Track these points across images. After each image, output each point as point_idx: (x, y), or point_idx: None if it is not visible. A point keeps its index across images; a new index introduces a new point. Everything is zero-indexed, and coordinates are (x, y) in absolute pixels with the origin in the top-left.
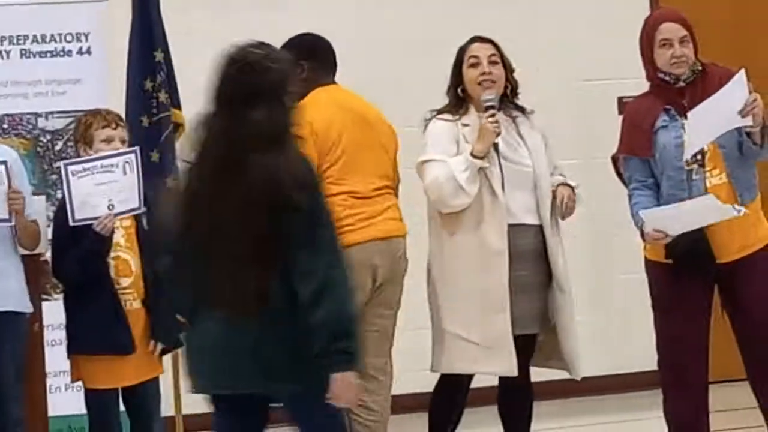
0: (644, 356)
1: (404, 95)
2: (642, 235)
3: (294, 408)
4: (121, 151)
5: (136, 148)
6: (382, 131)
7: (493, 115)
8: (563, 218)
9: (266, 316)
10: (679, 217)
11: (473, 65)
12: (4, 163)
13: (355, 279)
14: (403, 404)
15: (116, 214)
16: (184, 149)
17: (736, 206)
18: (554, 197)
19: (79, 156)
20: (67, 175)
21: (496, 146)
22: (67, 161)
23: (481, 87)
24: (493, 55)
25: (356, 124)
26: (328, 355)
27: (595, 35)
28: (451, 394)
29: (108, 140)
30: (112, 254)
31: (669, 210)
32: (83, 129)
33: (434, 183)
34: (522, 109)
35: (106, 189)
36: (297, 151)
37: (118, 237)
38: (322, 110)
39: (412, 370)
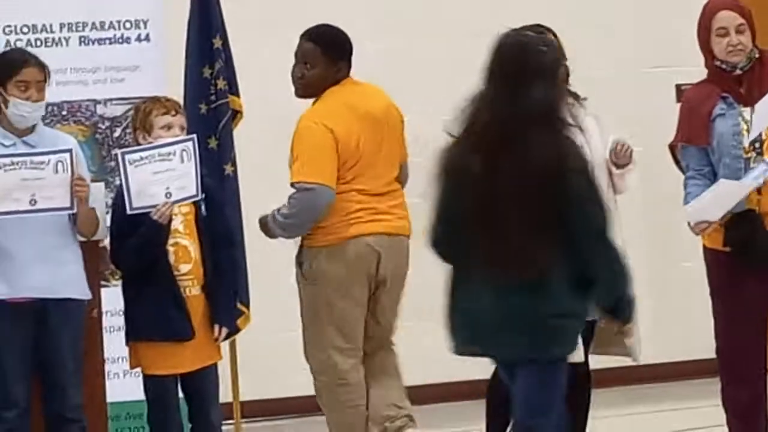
0: (703, 344)
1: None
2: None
3: (528, 375)
4: (178, 138)
5: (194, 135)
6: (392, 124)
7: None
8: (618, 163)
9: (538, 284)
10: (716, 202)
11: None
12: (69, 151)
13: (359, 269)
14: (460, 391)
15: (173, 202)
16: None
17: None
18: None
19: (137, 143)
20: (124, 164)
21: None
22: (124, 150)
23: None
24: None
25: (372, 129)
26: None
27: (653, 22)
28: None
29: (167, 127)
30: (171, 241)
31: (706, 197)
32: (143, 116)
33: None
34: (576, 96)
35: (164, 177)
36: (567, 131)
37: (177, 224)
38: (342, 118)
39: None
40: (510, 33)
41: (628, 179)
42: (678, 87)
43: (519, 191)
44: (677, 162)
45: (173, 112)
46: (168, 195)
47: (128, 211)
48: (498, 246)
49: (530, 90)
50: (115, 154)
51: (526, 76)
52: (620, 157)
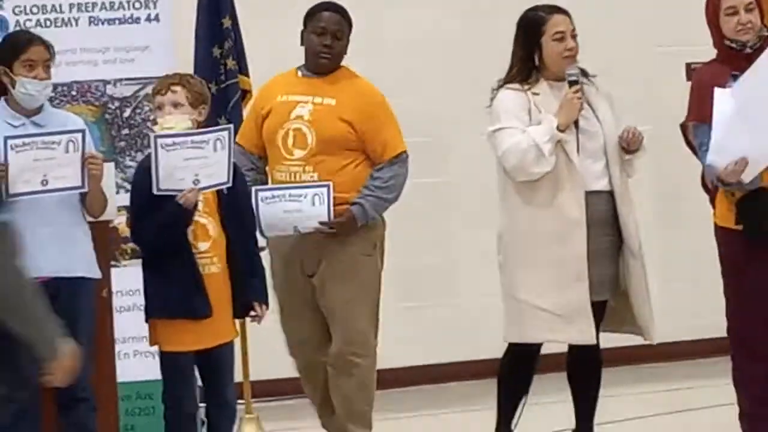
0: (715, 323)
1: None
2: (714, 192)
3: None
4: (215, 128)
5: (230, 126)
6: None
7: (578, 90)
8: (629, 150)
9: None
10: (747, 117)
11: (558, 39)
12: (82, 131)
13: None
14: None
15: (201, 189)
16: None
17: None
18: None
19: (156, 122)
20: (156, 147)
21: (576, 120)
22: (157, 134)
23: (565, 61)
24: (574, 29)
25: None
26: None
27: (661, 1)
28: (521, 362)
29: (159, 106)
30: (196, 217)
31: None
32: (153, 96)
33: (515, 149)
34: (585, 74)
35: (194, 164)
36: None
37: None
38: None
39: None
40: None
41: (637, 164)
42: (688, 66)
43: None
44: (688, 142)
45: (163, 91)
46: (196, 182)
47: (154, 191)
48: None
49: None
50: (147, 137)
51: None
52: (631, 144)
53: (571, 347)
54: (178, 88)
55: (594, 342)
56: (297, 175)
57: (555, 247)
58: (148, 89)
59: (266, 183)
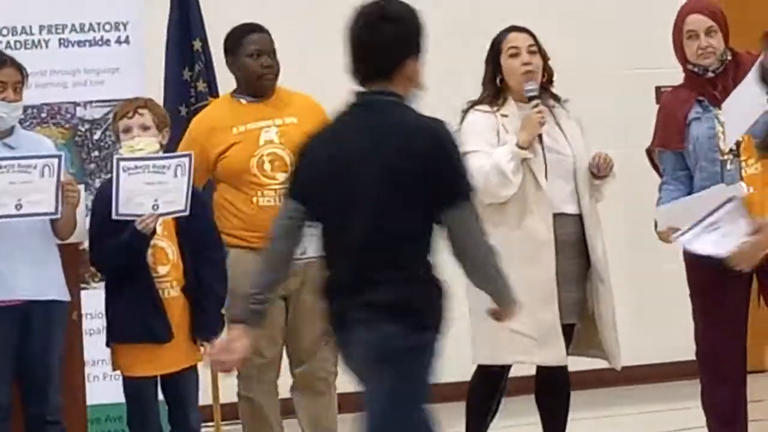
0: (683, 346)
1: None
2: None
3: None
4: (176, 154)
5: (191, 152)
6: None
7: (537, 105)
8: (598, 175)
9: None
10: (689, 210)
11: (513, 55)
12: (59, 156)
13: None
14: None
15: (159, 215)
16: None
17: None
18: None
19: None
20: (118, 171)
21: (540, 136)
22: (120, 156)
23: (523, 77)
24: (532, 45)
25: None
26: None
27: (632, 24)
28: (491, 384)
29: (126, 130)
30: (152, 242)
31: (680, 204)
32: (113, 122)
33: (479, 174)
34: (557, 98)
35: (154, 189)
36: None
37: (155, 225)
38: None
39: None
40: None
41: (605, 190)
42: (658, 89)
43: None
44: (655, 166)
45: (130, 114)
46: (155, 207)
47: (114, 216)
48: None
49: None
50: (96, 156)
51: None
52: (601, 169)
53: (539, 369)
54: (144, 111)
55: (565, 363)
56: None
57: (525, 269)
58: None
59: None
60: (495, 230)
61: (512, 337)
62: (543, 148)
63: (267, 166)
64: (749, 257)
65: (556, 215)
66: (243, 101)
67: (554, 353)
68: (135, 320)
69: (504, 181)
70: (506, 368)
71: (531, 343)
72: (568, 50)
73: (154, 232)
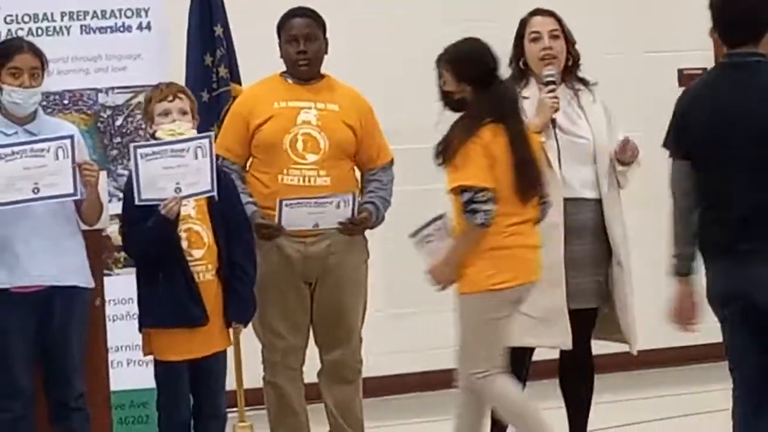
0: (705, 329)
1: None
2: None
3: None
4: (194, 136)
5: (211, 134)
6: None
7: (552, 90)
8: (621, 160)
9: None
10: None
11: (534, 40)
12: (71, 137)
13: None
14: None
15: (183, 197)
16: None
17: None
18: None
19: (147, 132)
20: (136, 158)
21: (554, 121)
22: (137, 144)
23: (543, 62)
24: (555, 29)
25: None
26: None
27: (655, 7)
28: (513, 369)
29: (165, 113)
30: (184, 226)
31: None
32: (146, 105)
33: None
34: (585, 82)
35: (175, 173)
36: None
37: (189, 209)
38: None
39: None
40: None
41: (630, 176)
42: (680, 71)
43: None
44: None
45: (170, 98)
46: (178, 190)
47: (136, 202)
48: None
49: None
50: (119, 142)
51: None
52: (626, 156)
53: (563, 353)
54: (183, 96)
55: (569, 347)
56: (312, 179)
57: None
58: (140, 98)
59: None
60: None
61: (520, 319)
62: (555, 133)
63: (299, 145)
64: (439, 276)
65: (575, 199)
66: (289, 81)
67: (559, 336)
68: (171, 304)
69: None
70: (528, 351)
71: (537, 325)
72: (589, 33)
73: (179, 215)
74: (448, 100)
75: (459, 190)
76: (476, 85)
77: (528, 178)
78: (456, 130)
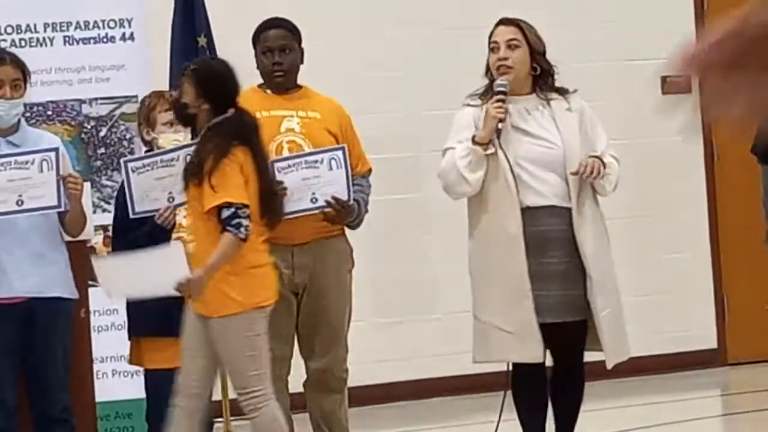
0: (690, 337)
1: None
2: None
3: None
4: (181, 144)
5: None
6: None
7: (500, 101)
8: (587, 179)
9: None
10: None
11: (492, 50)
12: (55, 150)
13: None
14: (453, 386)
15: (176, 206)
16: None
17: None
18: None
19: (142, 137)
20: (127, 172)
21: (498, 132)
22: (126, 158)
23: (498, 72)
24: (513, 39)
25: None
26: None
27: (637, 16)
28: (526, 385)
29: (170, 123)
30: (174, 236)
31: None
32: (147, 111)
33: (441, 171)
34: (562, 91)
35: (166, 182)
36: None
37: (180, 218)
38: None
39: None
40: None
41: (606, 184)
42: (663, 78)
43: None
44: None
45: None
46: (171, 199)
47: (131, 215)
48: None
49: None
50: (103, 153)
51: None
52: (587, 177)
53: (556, 365)
54: None
55: (540, 360)
56: None
57: (501, 266)
58: (124, 108)
59: None
60: (476, 228)
61: (497, 334)
62: (500, 143)
63: (285, 153)
64: (196, 288)
65: (545, 208)
66: (268, 92)
67: (530, 350)
68: (158, 314)
69: (459, 178)
70: (538, 367)
71: (512, 339)
72: (572, 40)
73: (173, 224)
74: (181, 112)
75: (220, 207)
76: (215, 104)
77: (273, 205)
78: (208, 149)
